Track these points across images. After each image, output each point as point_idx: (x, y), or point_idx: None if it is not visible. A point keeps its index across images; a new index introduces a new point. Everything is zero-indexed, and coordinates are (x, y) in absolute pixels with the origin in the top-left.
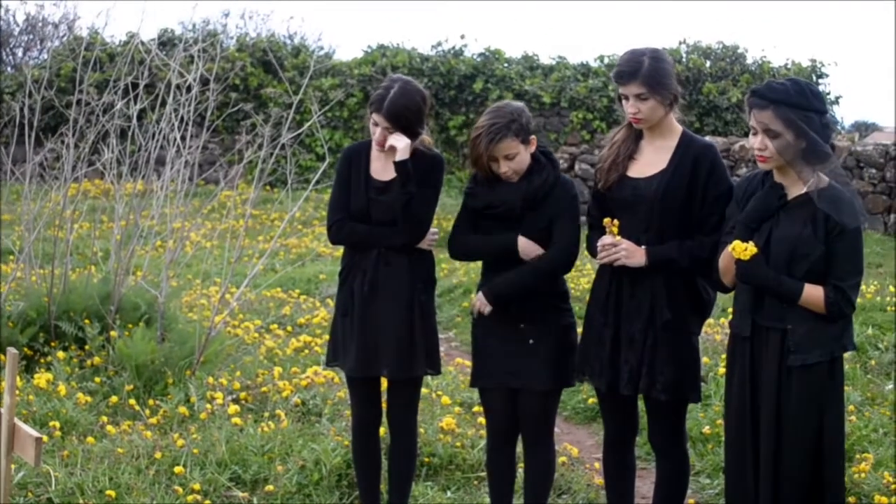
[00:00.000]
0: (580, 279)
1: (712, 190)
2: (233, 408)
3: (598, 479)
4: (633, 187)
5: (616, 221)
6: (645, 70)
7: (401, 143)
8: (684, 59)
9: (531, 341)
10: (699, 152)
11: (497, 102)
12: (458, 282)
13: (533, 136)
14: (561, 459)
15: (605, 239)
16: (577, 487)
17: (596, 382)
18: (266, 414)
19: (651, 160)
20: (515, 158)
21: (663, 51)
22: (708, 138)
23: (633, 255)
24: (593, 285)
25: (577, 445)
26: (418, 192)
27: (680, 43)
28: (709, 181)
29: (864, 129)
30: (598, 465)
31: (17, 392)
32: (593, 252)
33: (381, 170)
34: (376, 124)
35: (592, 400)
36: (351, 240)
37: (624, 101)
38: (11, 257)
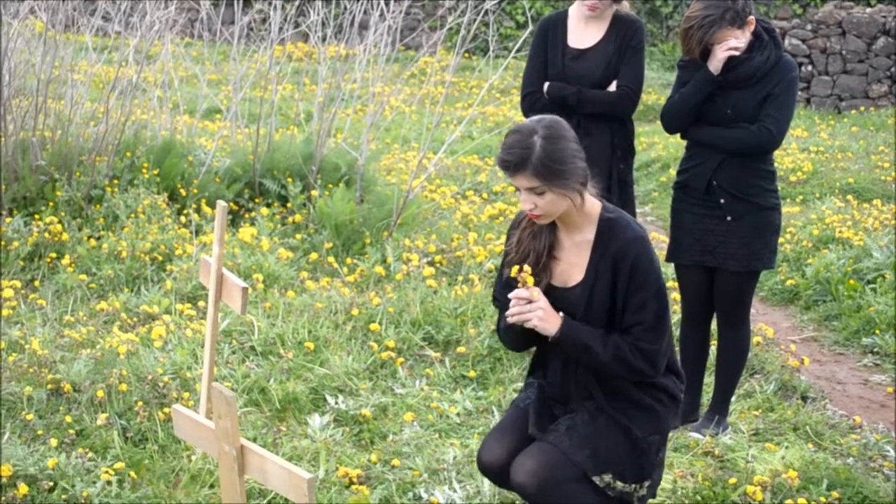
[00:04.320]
0: (784, 158)
1: (634, 296)
2: (428, 270)
3: (793, 361)
4: (560, 297)
5: (528, 268)
6: (536, 157)
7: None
8: None
9: (730, 219)
10: (619, 250)
11: None
12: (657, 156)
13: (751, 17)
14: (756, 340)
15: (521, 292)
16: (771, 368)
17: None
18: (460, 278)
19: (572, 260)
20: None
21: (561, 121)
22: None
23: (547, 319)
24: None
25: (773, 326)
26: (622, 58)
27: None
28: (630, 285)
29: None
30: (794, 346)
31: (224, 244)
32: (502, 306)
33: (580, 38)
34: None
35: (791, 282)
36: (545, 112)
37: (517, 192)
38: (219, 116)
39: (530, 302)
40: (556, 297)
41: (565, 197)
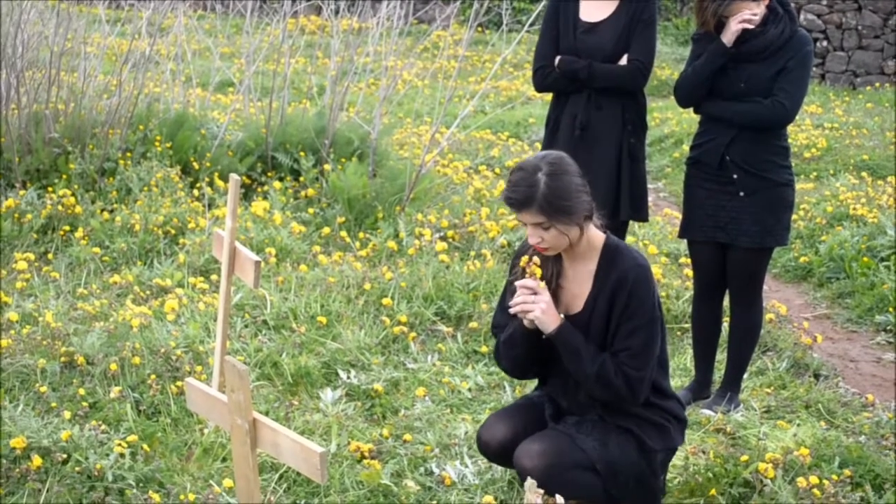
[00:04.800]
0: (798, 134)
1: (626, 322)
2: (440, 245)
3: (806, 339)
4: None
5: (536, 260)
6: (541, 194)
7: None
8: None
9: (743, 195)
10: (619, 277)
11: None
12: (670, 131)
13: None
14: (768, 317)
15: (528, 282)
16: (784, 345)
17: None
18: (472, 253)
19: (575, 290)
20: None
21: (564, 157)
22: None
23: (548, 313)
24: None
25: (786, 304)
26: (634, 32)
27: None
28: (625, 310)
29: None
30: (806, 324)
31: (237, 218)
32: (502, 332)
33: (591, 11)
34: None
35: (804, 259)
36: (556, 86)
37: (523, 226)
38: (231, 89)
39: (535, 294)
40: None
41: (571, 230)
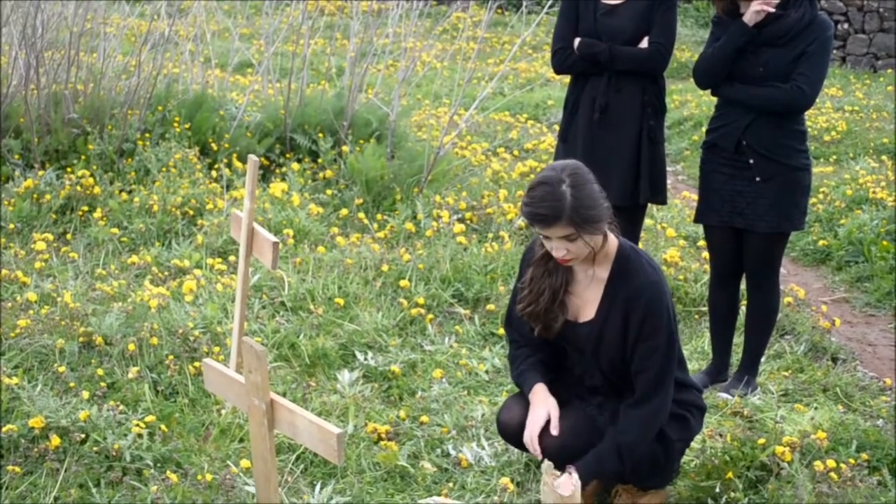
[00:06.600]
0: (818, 118)
1: (643, 343)
2: (458, 227)
3: (824, 322)
4: (571, 332)
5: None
6: (570, 206)
7: None
8: None
9: (759, 180)
10: (631, 296)
11: None
12: (689, 114)
13: None
14: (786, 300)
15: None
16: (802, 329)
17: None
18: (490, 235)
19: (585, 297)
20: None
21: (581, 165)
22: None
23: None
24: None
25: (804, 287)
26: (654, 15)
27: None
28: (641, 329)
29: None
30: (825, 307)
31: (255, 199)
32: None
33: None
34: None
35: (823, 242)
36: (576, 68)
37: (545, 240)
38: (250, 70)
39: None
40: (568, 331)
41: (596, 238)
